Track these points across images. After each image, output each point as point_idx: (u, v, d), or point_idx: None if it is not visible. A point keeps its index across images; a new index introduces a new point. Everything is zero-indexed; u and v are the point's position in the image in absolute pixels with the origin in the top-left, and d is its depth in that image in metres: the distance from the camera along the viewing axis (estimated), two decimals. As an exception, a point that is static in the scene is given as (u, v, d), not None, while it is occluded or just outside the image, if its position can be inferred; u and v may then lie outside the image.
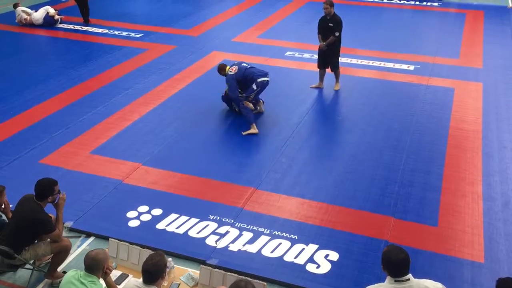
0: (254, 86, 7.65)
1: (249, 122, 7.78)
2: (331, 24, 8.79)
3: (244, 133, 7.72)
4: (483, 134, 7.69)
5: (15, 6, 13.43)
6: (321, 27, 9.01)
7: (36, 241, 4.76)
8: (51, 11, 13.30)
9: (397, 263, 3.37)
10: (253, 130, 7.72)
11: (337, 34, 8.81)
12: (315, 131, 7.97)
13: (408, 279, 3.37)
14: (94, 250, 3.94)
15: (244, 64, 7.88)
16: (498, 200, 6.17)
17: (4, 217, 5.15)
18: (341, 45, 9.03)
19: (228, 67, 7.89)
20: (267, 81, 7.78)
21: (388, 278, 3.42)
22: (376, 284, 3.51)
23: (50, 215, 4.78)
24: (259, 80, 7.66)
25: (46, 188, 4.62)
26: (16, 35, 12.80)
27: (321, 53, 9.09)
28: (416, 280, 3.41)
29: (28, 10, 13.35)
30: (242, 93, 7.82)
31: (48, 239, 4.75)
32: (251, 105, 7.81)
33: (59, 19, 13.40)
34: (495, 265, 5.12)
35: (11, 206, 5.09)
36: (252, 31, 12.86)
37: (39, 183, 4.64)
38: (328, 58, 9.07)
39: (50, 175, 4.86)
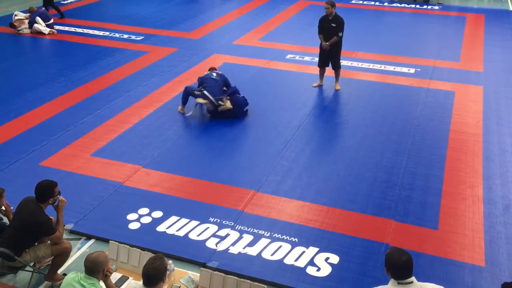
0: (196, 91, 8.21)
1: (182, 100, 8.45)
2: (334, 25, 8.83)
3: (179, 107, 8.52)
4: (483, 137, 7.69)
5: (12, 26, 13.06)
6: (322, 27, 9.03)
7: (36, 243, 4.76)
8: (46, 32, 12.81)
9: (400, 265, 3.35)
10: (180, 109, 8.47)
11: (340, 34, 8.85)
12: (316, 134, 7.97)
13: (411, 282, 3.35)
14: (94, 252, 3.93)
15: (208, 74, 8.36)
16: (498, 203, 6.16)
17: (5, 219, 5.15)
18: (342, 44, 9.09)
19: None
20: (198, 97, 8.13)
21: (391, 281, 3.40)
22: (379, 287, 3.50)
23: (51, 217, 4.78)
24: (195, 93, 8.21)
25: (46, 190, 4.62)
26: (17, 38, 12.81)
27: (323, 52, 9.12)
28: (419, 283, 3.39)
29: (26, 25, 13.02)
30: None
31: (49, 242, 4.75)
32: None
33: (53, 32, 13.03)
34: (496, 269, 5.11)
35: (11, 207, 5.09)
36: (253, 34, 12.88)
37: (39, 185, 4.64)
38: (330, 58, 9.13)
39: (50, 177, 4.85)
